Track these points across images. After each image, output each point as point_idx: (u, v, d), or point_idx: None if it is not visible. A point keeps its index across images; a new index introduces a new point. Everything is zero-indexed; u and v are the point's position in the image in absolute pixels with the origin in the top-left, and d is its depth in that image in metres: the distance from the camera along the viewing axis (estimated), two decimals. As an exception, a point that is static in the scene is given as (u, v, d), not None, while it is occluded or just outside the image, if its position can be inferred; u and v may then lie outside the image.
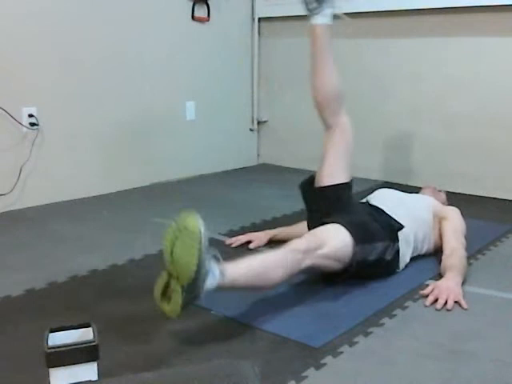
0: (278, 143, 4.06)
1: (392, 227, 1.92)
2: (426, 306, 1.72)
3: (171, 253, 1.41)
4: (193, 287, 1.41)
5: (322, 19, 2.00)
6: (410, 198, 2.22)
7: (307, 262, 1.68)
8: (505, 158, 3.09)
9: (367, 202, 2.14)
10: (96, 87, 3.08)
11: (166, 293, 1.46)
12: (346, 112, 2.03)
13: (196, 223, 1.42)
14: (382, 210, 2.01)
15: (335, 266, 1.77)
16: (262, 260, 1.63)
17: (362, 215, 1.94)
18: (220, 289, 1.49)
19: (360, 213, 1.97)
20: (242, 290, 1.64)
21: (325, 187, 1.97)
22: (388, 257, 1.89)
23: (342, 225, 1.79)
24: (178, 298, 1.41)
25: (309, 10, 1.99)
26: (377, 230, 1.88)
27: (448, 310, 1.69)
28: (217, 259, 1.49)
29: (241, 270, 1.55)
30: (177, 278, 1.41)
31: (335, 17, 2.01)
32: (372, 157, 3.59)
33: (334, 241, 1.75)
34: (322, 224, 1.83)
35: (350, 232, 1.77)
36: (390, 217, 1.97)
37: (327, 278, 1.85)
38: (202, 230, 1.42)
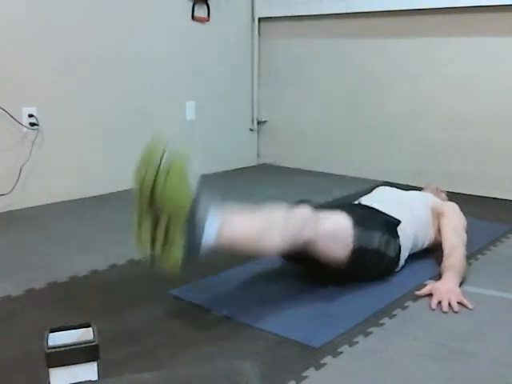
0: (278, 143, 4.06)
1: (389, 223, 1.92)
2: (433, 309, 1.71)
3: (160, 184, 1.34)
4: (192, 225, 1.34)
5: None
6: (407, 195, 2.22)
7: (308, 232, 1.62)
8: (505, 158, 3.09)
9: (359, 203, 2.13)
10: (96, 87, 3.08)
11: (155, 240, 1.38)
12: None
13: (183, 162, 1.37)
14: (376, 210, 2.01)
15: (338, 249, 1.71)
16: (265, 215, 1.57)
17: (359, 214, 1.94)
18: (219, 243, 1.44)
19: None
20: (241, 250, 1.56)
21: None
22: (392, 253, 1.89)
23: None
24: (177, 240, 1.32)
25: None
26: (374, 223, 1.88)
27: (455, 312, 1.69)
28: (215, 205, 1.43)
29: (242, 218, 1.51)
30: (169, 216, 1.33)
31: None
32: (372, 157, 3.59)
33: (332, 219, 1.72)
34: None
35: (347, 215, 1.76)
36: (385, 214, 1.97)
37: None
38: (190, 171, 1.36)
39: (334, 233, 1.70)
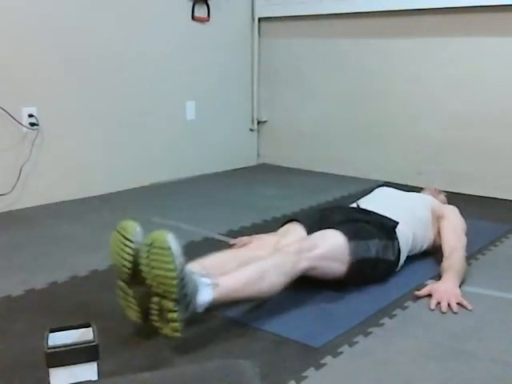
0: (278, 143, 4.06)
1: (386, 226, 1.92)
2: (432, 310, 1.71)
3: (146, 265, 1.40)
4: (183, 299, 1.39)
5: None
6: (408, 196, 2.22)
7: (304, 263, 1.66)
8: (505, 158, 3.10)
9: (358, 206, 2.13)
10: (96, 87, 3.08)
11: (149, 315, 1.44)
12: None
13: (164, 238, 1.39)
14: (373, 212, 2.01)
15: (336, 267, 1.76)
16: (256, 266, 1.59)
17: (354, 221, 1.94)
18: (219, 302, 1.48)
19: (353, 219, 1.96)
20: (243, 302, 1.62)
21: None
22: (392, 257, 1.89)
23: (332, 228, 1.80)
24: (173, 315, 1.39)
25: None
26: (370, 229, 1.87)
27: (454, 313, 1.69)
28: (204, 275, 1.48)
29: (235, 279, 1.53)
30: (162, 294, 1.39)
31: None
32: (372, 157, 3.59)
33: (325, 240, 1.74)
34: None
35: (340, 231, 1.77)
36: (382, 216, 1.97)
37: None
38: (172, 245, 1.38)
39: (330, 254, 1.73)
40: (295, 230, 1.92)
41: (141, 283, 1.44)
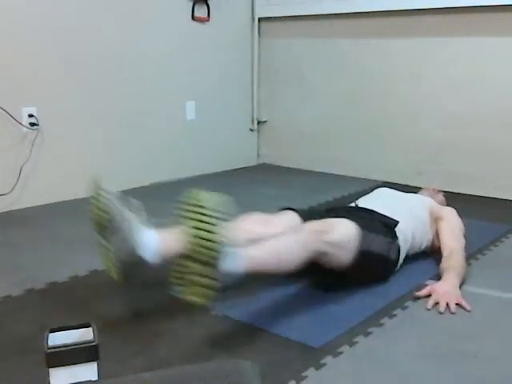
0: (277, 143, 4.06)
1: (387, 225, 1.92)
2: (429, 309, 1.71)
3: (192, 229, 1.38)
4: (216, 264, 1.37)
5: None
6: (406, 197, 2.22)
7: (318, 245, 1.64)
8: (505, 158, 3.10)
9: (356, 205, 2.13)
10: (96, 87, 3.08)
11: (181, 280, 1.42)
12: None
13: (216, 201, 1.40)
14: (373, 211, 2.01)
15: (344, 255, 1.72)
16: (277, 240, 1.60)
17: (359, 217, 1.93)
18: (247, 273, 1.47)
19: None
20: (263, 275, 1.60)
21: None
22: (392, 256, 1.89)
23: (346, 218, 1.80)
24: (206, 280, 1.36)
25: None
26: (376, 225, 1.88)
27: (452, 313, 1.69)
28: (237, 245, 1.46)
29: (257, 250, 1.53)
30: (196, 258, 1.37)
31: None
32: (372, 157, 3.59)
33: (340, 226, 1.73)
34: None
35: (352, 220, 1.77)
36: (382, 215, 1.97)
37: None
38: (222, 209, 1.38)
39: (342, 241, 1.71)
40: (288, 215, 1.93)
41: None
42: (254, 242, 1.58)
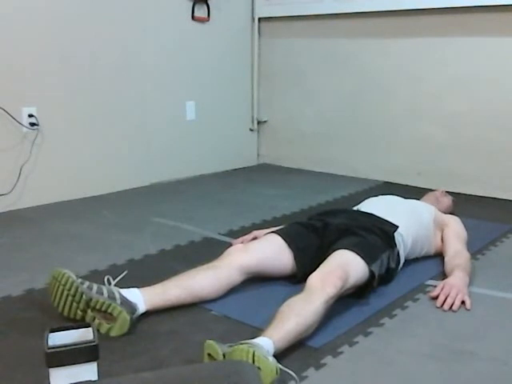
0: (278, 143, 4.06)
1: (387, 233, 1.91)
2: (438, 308, 1.71)
3: None
4: None
5: None
6: (410, 202, 2.21)
7: (331, 297, 1.57)
8: (505, 158, 3.09)
9: (358, 210, 2.13)
10: (96, 87, 3.08)
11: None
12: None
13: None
14: (373, 216, 2.01)
15: (354, 289, 1.74)
16: (297, 322, 1.45)
17: (359, 232, 1.88)
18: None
19: (357, 230, 1.91)
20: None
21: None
22: (392, 264, 1.89)
23: (353, 251, 1.73)
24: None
25: None
26: (376, 242, 1.85)
27: (453, 311, 1.69)
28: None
29: (282, 336, 1.41)
30: None
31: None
32: (372, 157, 3.59)
33: (355, 273, 1.68)
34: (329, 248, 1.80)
35: (362, 257, 1.72)
36: (382, 220, 1.97)
37: None
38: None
39: (355, 284, 1.70)
40: (273, 240, 1.90)
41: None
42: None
